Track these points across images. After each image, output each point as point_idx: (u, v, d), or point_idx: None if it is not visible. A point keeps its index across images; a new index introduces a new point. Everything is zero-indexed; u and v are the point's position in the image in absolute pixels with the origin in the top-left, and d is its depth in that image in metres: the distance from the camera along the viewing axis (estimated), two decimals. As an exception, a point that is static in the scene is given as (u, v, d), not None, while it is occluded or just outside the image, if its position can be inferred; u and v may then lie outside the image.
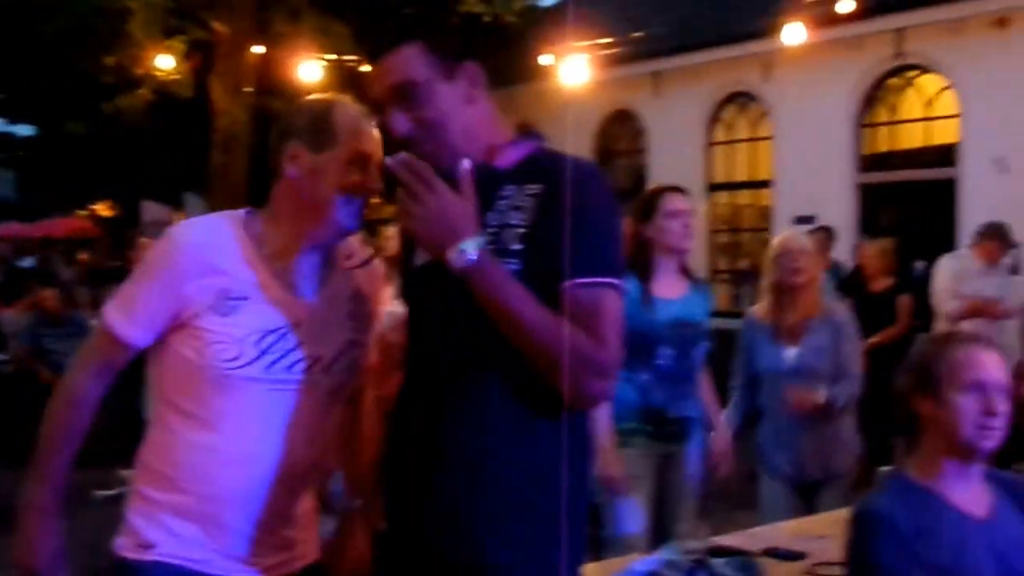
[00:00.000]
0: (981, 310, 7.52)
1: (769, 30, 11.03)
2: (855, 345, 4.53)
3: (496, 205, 1.95)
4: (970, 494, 2.35)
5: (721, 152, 13.38)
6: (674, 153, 13.41)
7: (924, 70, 11.15)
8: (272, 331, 2.08)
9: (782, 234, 4.78)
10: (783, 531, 3.68)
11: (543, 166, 1.97)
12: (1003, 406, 2.30)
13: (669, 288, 4.09)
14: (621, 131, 14.67)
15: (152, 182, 19.90)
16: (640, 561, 3.02)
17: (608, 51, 12.66)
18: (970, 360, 2.32)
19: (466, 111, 2.00)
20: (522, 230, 1.91)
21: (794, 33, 10.65)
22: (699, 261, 12.01)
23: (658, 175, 13.61)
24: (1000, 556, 2.27)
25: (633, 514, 4.00)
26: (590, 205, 1.88)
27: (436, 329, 1.98)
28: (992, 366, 2.32)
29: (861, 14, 10.94)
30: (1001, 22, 10.14)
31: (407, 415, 2.04)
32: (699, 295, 4.19)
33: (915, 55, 11.00)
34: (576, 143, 14.35)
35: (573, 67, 11.66)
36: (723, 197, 13.59)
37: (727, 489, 4.81)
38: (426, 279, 2.01)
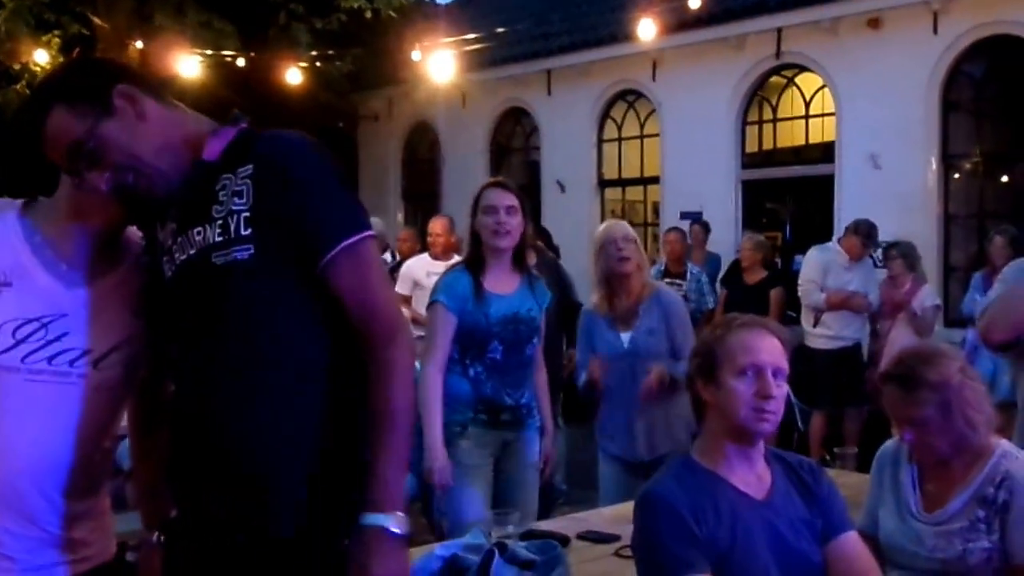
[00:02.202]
0: (844, 303, 7.76)
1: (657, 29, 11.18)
2: (687, 326, 4.64)
3: (217, 197, 1.97)
4: (752, 476, 2.38)
5: (611, 149, 13.53)
6: (566, 150, 13.54)
7: (803, 69, 11.41)
8: (32, 320, 2.02)
9: (604, 224, 4.82)
10: (604, 515, 3.77)
11: (249, 147, 1.99)
12: (778, 389, 2.33)
13: (501, 283, 4.10)
14: (515, 128, 14.76)
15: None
16: (442, 545, 3.05)
17: (473, 47, 12.68)
18: (745, 345, 2.34)
19: (145, 129, 1.99)
20: (247, 214, 1.92)
21: (647, 30, 10.77)
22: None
23: (551, 172, 13.76)
24: (777, 536, 2.31)
25: (472, 503, 4.03)
26: (305, 174, 1.93)
27: (192, 323, 2.00)
28: (768, 350, 2.35)
29: (743, 13, 11.18)
30: (874, 23, 10.42)
31: (179, 404, 2.07)
32: (532, 290, 4.20)
33: (794, 55, 11.26)
34: (471, 140, 14.44)
35: (440, 63, 11.59)
36: (614, 193, 13.74)
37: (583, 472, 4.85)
38: (178, 284, 2.02)
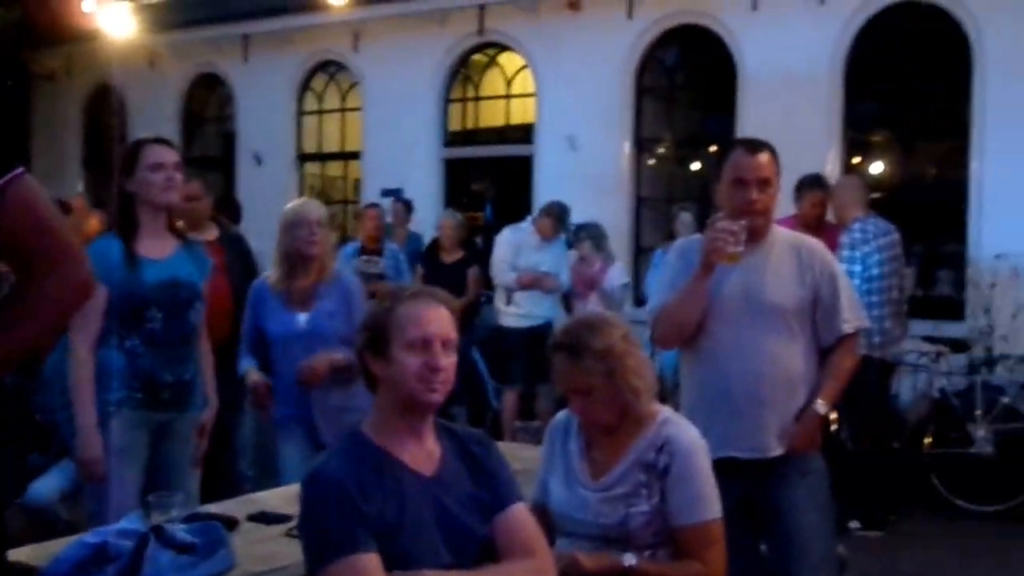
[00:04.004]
0: (535, 283, 7.77)
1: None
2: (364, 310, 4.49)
3: None
4: (421, 452, 2.38)
5: (311, 122, 13.09)
6: (263, 121, 12.96)
7: (505, 48, 11.42)
8: None
9: (293, 204, 4.67)
10: (279, 495, 3.64)
11: None
12: (447, 360, 2.33)
13: (156, 248, 3.81)
14: (209, 95, 14.02)
15: None
16: (92, 532, 2.88)
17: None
18: (413, 317, 2.33)
19: None
20: None
21: None
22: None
23: (247, 143, 13.15)
24: (445, 513, 2.32)
25: (123, 488, 3.71)
26: None
27: None
28: (436, 322, 2.34)
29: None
30: (573, 4, 10.53)
31: None
32: (190, 255, 3.94)
33: (496, 33, 11.25)
34: (160, 106, 13.53)
35: (118, 18, 10.75)
36: (314, 168, 13.33)
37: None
38: None
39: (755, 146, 3.48)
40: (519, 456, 3.53)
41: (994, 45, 8.53)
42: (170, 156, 3.83)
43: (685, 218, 8.26)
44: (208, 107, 14.13)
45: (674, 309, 3.47)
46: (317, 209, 4.47)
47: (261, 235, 7.39)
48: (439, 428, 2.45)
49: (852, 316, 3.53)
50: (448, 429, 2.48)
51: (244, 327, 4.51)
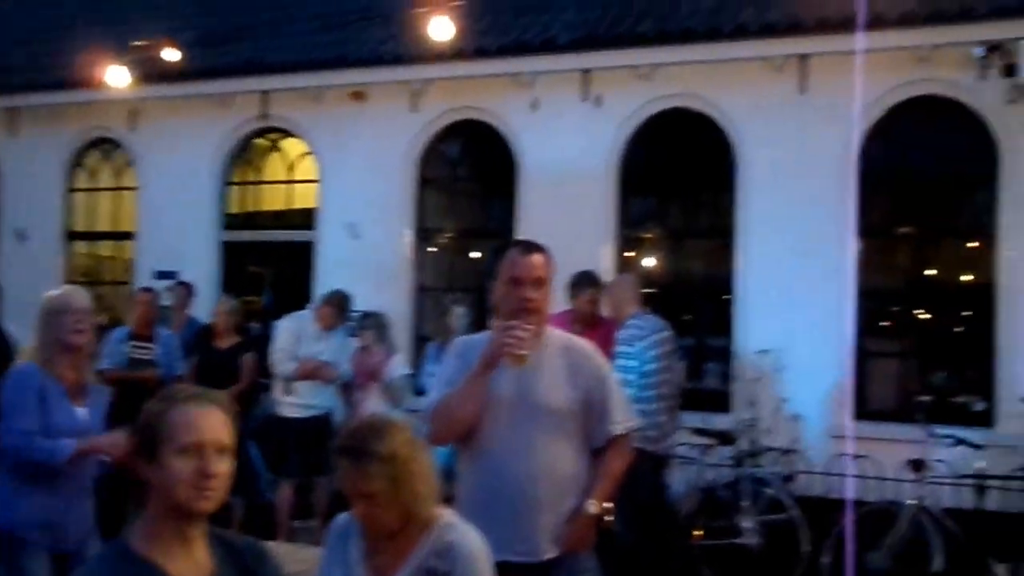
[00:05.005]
0: (315, 372, 7.64)
1: (133, 78, 10.54)
2: None
3: None
4: (190, 561, 2.26)
5: (83, 199, 12.54)
6: (32, 197, 12.33)
7: (288, 134, 11.33)
8: None
9: (62, 290, 4.45)
10: None
11: None
12: (221, 467, 2.23)
13: None
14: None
15: None
16: None
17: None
18: (185, 421, 2.22)
19: None
20: None
21: (118, 78, 10.34)
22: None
23: (12, 220, 12.42)
24: None
25: None
26: None
27: None
28: (210, 427, 2.24)
29: (228, 72, 10.88)
30: (358, 95, 10.59)
31: None
32: None
33: (279, 119, 11.16)
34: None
35: None
36: (83, 247, 12.75)
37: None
38: None
39: (530, 247, 3.56)
40: (297, 558, 3.42)
41: (755, 153, 9.11)
42: None
43: (459, 311, 8.32)
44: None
45: (451, 406, 3.45)
46: (83, 297, 4.29)
47: (24, 317, 7.02)
48: (212, 537, 2.34)
49: (622, 417, 3.60)
50: (221, 538, 2.37)
51: (23, 419, 4.08)
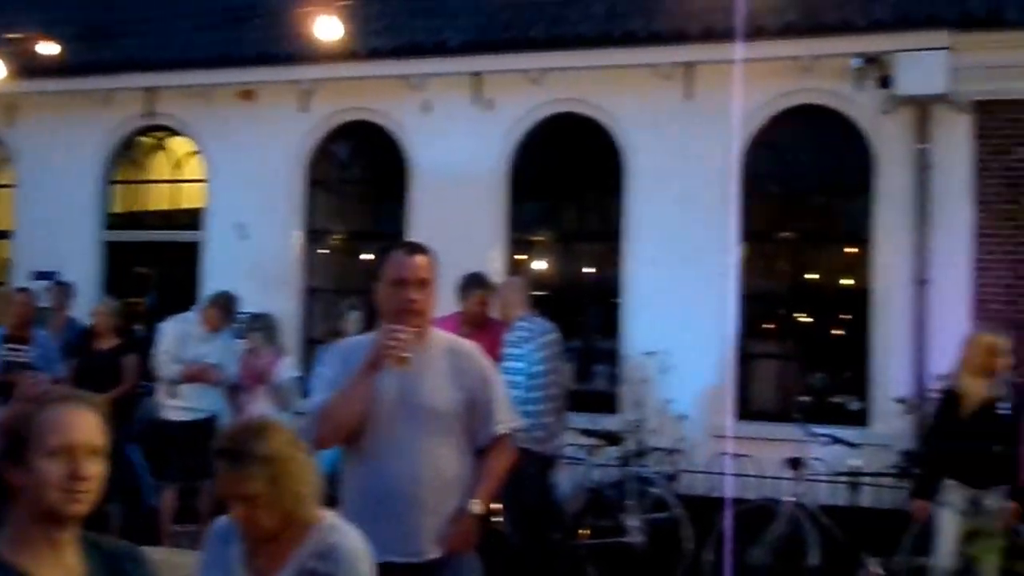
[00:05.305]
0: (200, 375, 7.52)
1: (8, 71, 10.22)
2: None
3: None
4: (60, 566, 2.20)
5: (-43, 198, 12.11)
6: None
7: (174, 132, 11.12)
8: None
9: None
10: None
11: None
12: (92, 469, 2.18)
13: None
14: None
15: None
16: None
17: None
18: (55, 423, 2.17)
19: None
20: None
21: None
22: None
23: None
24: None
25: None
26: None
27: None
28: (81, 428, 2.19)
29: (111, 68, 10.63)
30: (246, 94, 10.45)
31: None
32: None
33: (165, 116, 10.94)
34: None
35: None
36: (-42, 247, 12.29)
37: None
38: None
39: (413, 248, 3.57)
40: (177, 563, 3.35)
41: (643, 159, 9.27)
42: None
43: (353, 316, 8.27)
44: None
45: (335, 408, 3.43)
46: None
47: None
48: (84, 542, 2.28)
49: (506, 418, 3.63)
50: (94, 543, 2.32)
51: None
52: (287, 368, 7.76)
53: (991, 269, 8.49)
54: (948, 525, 5.71)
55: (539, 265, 10.25)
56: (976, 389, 5.76)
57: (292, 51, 9.87)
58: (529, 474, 6.25)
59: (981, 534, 5.13)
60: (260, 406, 7.41)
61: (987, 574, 5.16)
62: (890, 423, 8.38)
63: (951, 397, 5.91)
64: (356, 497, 3.49)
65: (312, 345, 10.29)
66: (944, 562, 5.74)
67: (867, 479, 7.71)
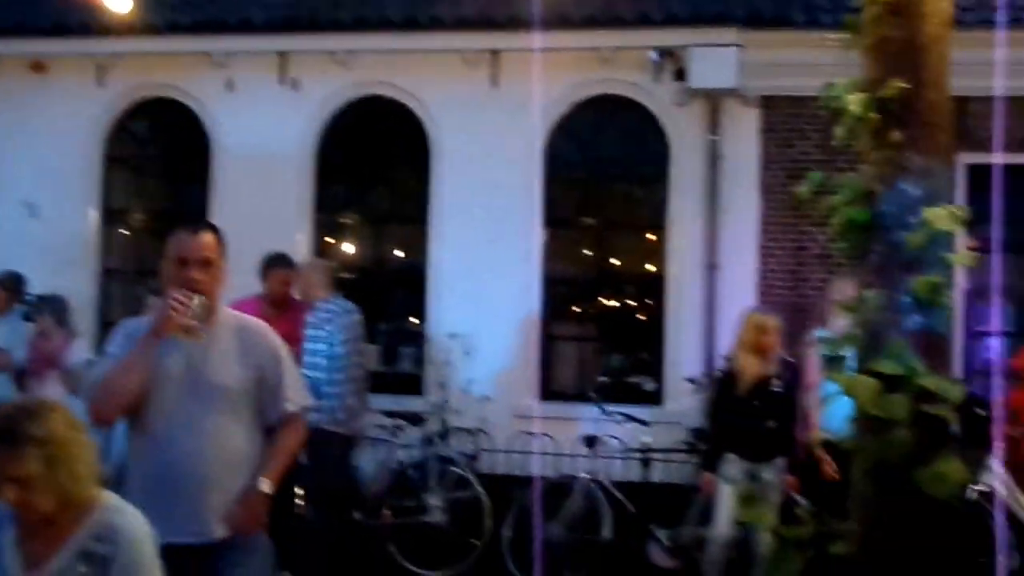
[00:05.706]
0: (-14, 359, 7.21)
1: None
2: None
3: None
4: None
5: None
6: None
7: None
8: None
9: None
10: None
11: None
12: None
13: None
14: None
15: None
16: None
17: None
18: None
19: None
20: None
21: None
22: None
23: None
24: None
25: None
26: None
27: None
28: None
29: None
30: (38, 66, 10.01)
31: None
32: None
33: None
34: None
35: None
36: None
37: None
38: None
39: (198, 227, 3.57)
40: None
41: (449, 143, 9.37)
42: None
43: (158, 302, 8.05)
44: None
45: (113, 380, 3.38)
46: None
47: None
48: None
49: (296, 395, 3.65)
50: None
51: None
52: (79, 351, 7.52)
53: (776, 255, 8.98)
54: (726, 496, 6.05)
55: (346, 247, 10.22)
56: (751, 367, 6.10)
57: (87, 22, 9.47)
58: (331, 455, 6.29)
59: (755, 502, 5.45)
60: (51, 391, 7.15)
61: (762, 541, 5.48)
62: (681, 402, 8.76)
63: (729, 375, 6.25)
64: (140, 476, 3.46)
65: (108, 328, 9.94)
66: (722, 531, 6.08)
67: (658, 455, 8.06)
